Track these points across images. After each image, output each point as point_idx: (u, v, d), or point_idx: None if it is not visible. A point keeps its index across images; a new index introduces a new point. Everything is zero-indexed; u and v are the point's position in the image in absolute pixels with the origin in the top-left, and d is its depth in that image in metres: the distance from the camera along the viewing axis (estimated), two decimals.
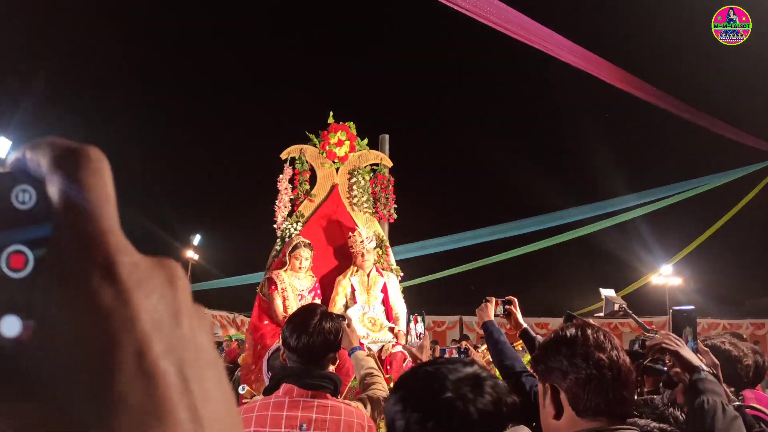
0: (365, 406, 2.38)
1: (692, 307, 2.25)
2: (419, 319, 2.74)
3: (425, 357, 2.59)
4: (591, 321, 3.41)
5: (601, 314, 3.58)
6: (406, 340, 2.70)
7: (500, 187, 35.24)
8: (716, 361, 2.07)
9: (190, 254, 24.67)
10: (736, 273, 25.55)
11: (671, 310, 2.29)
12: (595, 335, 1.43)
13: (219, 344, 12.88)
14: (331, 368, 3.91)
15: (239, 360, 7.64)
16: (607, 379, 1.37)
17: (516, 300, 3.15)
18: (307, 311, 2.15)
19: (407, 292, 5.12)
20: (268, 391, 2.08)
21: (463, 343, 2.70)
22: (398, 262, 5.23)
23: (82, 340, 0.25)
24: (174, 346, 0.26)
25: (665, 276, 23.85)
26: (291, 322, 2.11)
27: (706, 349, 2.11)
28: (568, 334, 1.46)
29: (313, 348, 2.02)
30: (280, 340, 2.65)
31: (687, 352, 1.85)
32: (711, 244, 18.07)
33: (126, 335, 0.25)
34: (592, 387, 1.36)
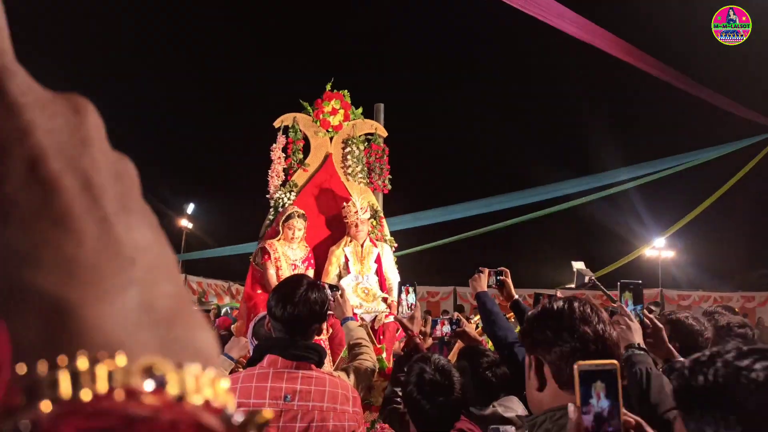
0: (348, 376, 2.38)
1: (640, 281, 2.39)
2: (411, 290, 2.73)
3: (416, 328, 2.59)
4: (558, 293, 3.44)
5: (572, 286, 3.66)
6: (398, 311, 2.68)
7: (495, 159, 35.14)
8: (659, 325, 2.26)
9: (184, 223, 24.62)
10: (729, 247, 25.77)
11: (619, 282, 2.41)
12: (581, 308, 1.43)
13: (208, 311, 12.98)
14: (323, 337, 3.95)
15: (233, 328, 7.70)
16: (590, 352, 1.36)
17: (508, 271, 3.16)
18: (293, 281, 2.12)
19: (401, 263, 5.11)
20: (252, 362, 2.07)
21: (455, 314, 2.70)
22: (392, 233, 5.21)
23: None
24: (81, 165, 0.25)
25: (658, 249, 24.04)
26: (277, 292, 2.09)
27: (650, 315, 2.29)
28: (555, 307, 1.46)
29: (298, 318, 2.01)
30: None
31: (629, 333, 2.03)
32: (705, 217, 18.13)
33: (16, 144, 0.24)
34: (576, 360, 1.33)
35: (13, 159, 0.24)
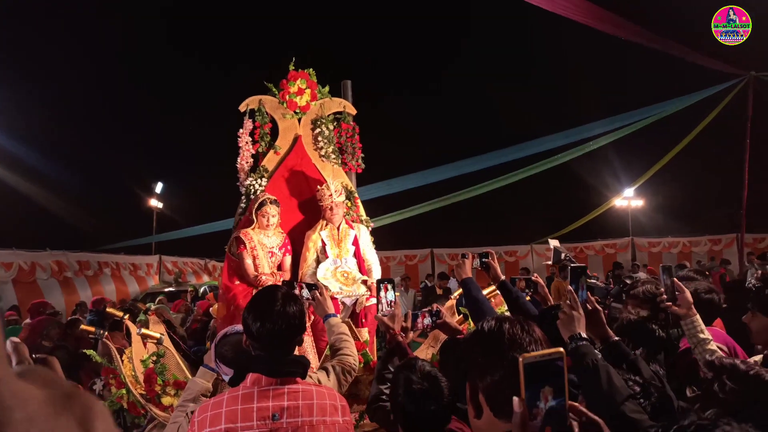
0: (328, 375, 2.36)
1: (584, 266, 2.43)
2: (389, 287, 2.68)
3: (397, 326, 2.56)
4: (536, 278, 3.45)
5: (549, 262, 3.73)
6: (378, 309, 2.64)
7: (467, 122, 34.98)
8: (598, 307, 2.24)
9: (154, 203, 24.15)
10: (696, 192, 26.35)
11: (569, 268, 2.42)
12: (511, 330, 1.35)
13: (184, 292, 12.87)
14: (306, 340, 3.92)
15: (211, 310, 7.64)
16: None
17: (494, 253, 3.14)
18: (267, 295, 2.05)
19: (377, 231, 5.07)
20: (234, 382, 2.02)
21: (434, 306, 2.64)
22: (366, 203, 5.14)
23: None
24: None
25: (628, 199, 24.49)
26: (252, 309, 2.01)
27: (592, 299, 2.28)
28: (486, 329, 1.39)
29: (277, 334, 1.95)
30: (230, 328, 2.58)
31: (572, 324, 2.00)
32: (672, 166, 18.44)
33: None
34: (507, 387, 1.25)
35: None
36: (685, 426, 1.02)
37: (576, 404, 1.12)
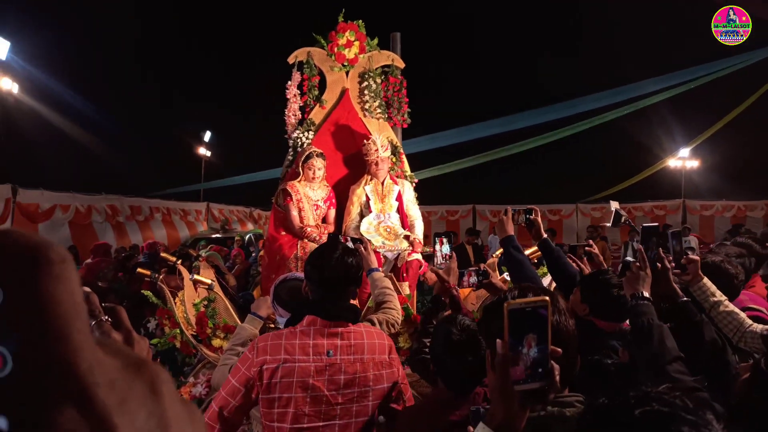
0: (373, 326, 2.47)
1: (657, 224, 2.37)
2: (445, 240, 2.72)
3: (453, 279, 2.61)
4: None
5: (608, 224, 3.61)
6: (433, 263, 2.70)
7: (516, 79, 33.86)
8: (668, 266, 2.22)
9: (202, 151, 24.66)
10: (755, 153, 25.06)
11: (641, 227, 2.36)
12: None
13: (231, 239, 13.24)
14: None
15: (259, 256, 7.88)
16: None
17: (538, 210, 3.02)
18: (329, 246, 2.20)
19: (419, 185, 5.07)
20: (291, 322, 2.16)
21: (481, 265, 2.66)
22: (409, 157, 5.14)
23: None
24: None
25: (682, 159, 23.51)
26: (313, 256, 2.17)
27: (663, 255, 2.23)
28: (509, 298, 1.38)
29: (334, 281, 2.09)
30: (290, 274, 2.70)
31: (636, 282, 2.02)
32: (731, 125, 17.57)
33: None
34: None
35: None
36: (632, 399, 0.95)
37: (556, 348, 1.14)
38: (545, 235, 3.00)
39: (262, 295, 3.73)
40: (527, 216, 3.00)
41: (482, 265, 2.73)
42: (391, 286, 2.76)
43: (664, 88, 13.05)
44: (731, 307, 2.45)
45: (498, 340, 1.13)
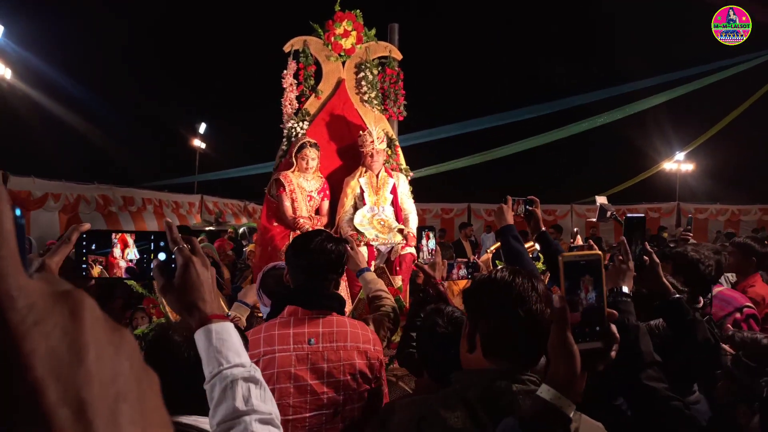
0: (368, 325, 2.40)
1: (642, 215, 2.29)
2: (431, 235, 2.64)
3: (438, 274, 2.54)
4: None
5: (593, 219, 3.55)
6: (418, 257, 2.63)
7: (514, 75, 33.86)
8: (657, 260, 2.10)
9: (197, 143, 24.51)
10: (751, 158, 25.17)
11: (625, 217, 2.28)
12: (522, 286, 1.39)
13: (225, 231, 13.17)
14: (341, 284, 3.94)
15: (246, 250, 7.79)
16: (517, 331, 1.37)
17: (538, 201, 2.85)
18: (310, 233, 2.15)
19: (416, 182, 5.01)
20: (272, 316, 2.10)
21: (472, 257, 2.60)
22: (405, 150, 5.07)
23: None
24: (74, 386, 0.27)
25: (678, 162, 23.56)
26: (294, 243, 2.12)
27: (650, 250, 2.13)
28: (498, 277, 1.44)
29: (315, 267, 2.03)
30: (278, 263, 2.63)
31: (618, 276, 1.93)
32: (727, 130, 17.61)
33: (20, 383, 0.26)
34: (502, 336, 1.38)
35: (17, 399, 0.26)
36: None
37: (612, 310, 1.17)
38: (543, 228, 2.90)
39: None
40: (527, 206, 2.85)
41: (472, 258, 2.67)
42: (384, 288, 2.65)
43: (662, 86, 13.03)
44: None
45: (555, 295, 1.14)
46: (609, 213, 3.03)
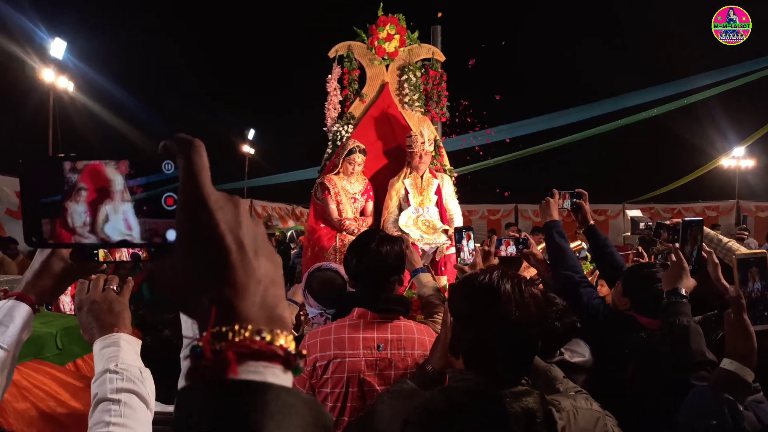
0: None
1: (701, 218, 2.28)
2: (471, 235, 2.64)
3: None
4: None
5: (628, 233, 3.40)
6: (458, 258, 2.61)
7: (562, 74, 33.19)
8: (716, 261, 2.01)
9: (246, 149, 25.10)
10: None
11: (683, 220, 2.25)
12: (508, 293, 1.31)
13: (272, 235, 13.43)
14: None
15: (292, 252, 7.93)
16: (496, 344, 1.32)
17: (586, 194, 2.79)
18: (366, 236, 2.15)
19: (462, 181, 5.01)
20: (340, 314, 2.13)
21: (523, 233, 2.54)
22: (450, 153, 5.08)
23: (192, 234, 0.50)
24: (237, 235, 0.50)
25: (737, 158, 22.57)
26: (350, 249, 2.12)
27: (708, 249, 2.11)
28: (481, 280, 1.37)
29: (372, 272, 2.04)
30: (324, 263, 2.67)
31: (674, 278, 1.94)
32: None
33: (212, 231, 0.49)
34: (482, 350, 1.35)
35: (216, 240, 0.49)
36: None
37: None
38: (592, 221, 2.79)
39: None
40: (574, 200, 2.78)
41: (523, 234, 2.63)
42: (439, 295, 2.59)
43: (715, 83, 12.48)
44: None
45: (730, 286, 1.54)
46: (643, 224, 2.91)
